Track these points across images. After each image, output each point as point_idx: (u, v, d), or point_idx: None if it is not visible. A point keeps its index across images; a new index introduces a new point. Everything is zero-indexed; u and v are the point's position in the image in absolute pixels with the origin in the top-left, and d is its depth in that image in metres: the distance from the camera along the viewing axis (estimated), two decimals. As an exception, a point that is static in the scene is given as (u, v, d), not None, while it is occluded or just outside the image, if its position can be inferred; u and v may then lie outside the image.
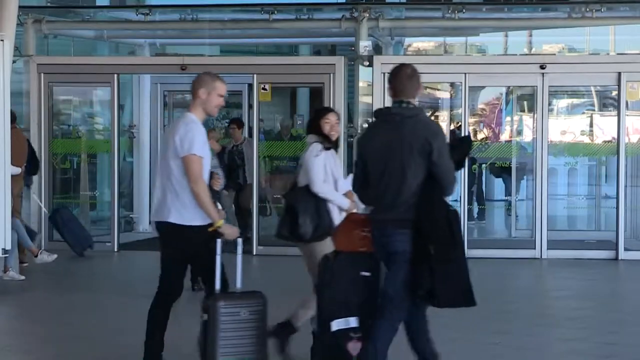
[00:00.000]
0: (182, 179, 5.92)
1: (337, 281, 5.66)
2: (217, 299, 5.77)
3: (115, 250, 13.08)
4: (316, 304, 5.88)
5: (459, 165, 5.69)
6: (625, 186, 12.62)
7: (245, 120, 14.87)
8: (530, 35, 17.70)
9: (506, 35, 17.49)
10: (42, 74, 13.12)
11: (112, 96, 13.19)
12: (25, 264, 10.83)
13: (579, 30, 16.30)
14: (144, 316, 8.79)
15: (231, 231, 6.01)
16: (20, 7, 10.47)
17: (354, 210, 6.49)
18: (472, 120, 14.82)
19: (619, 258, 12.29)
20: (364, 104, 13.29)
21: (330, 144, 6.63)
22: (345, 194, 6.57)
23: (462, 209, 12.37)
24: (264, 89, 12.71)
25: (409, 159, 5.42)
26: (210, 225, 5.93)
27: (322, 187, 6.48)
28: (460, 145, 5.88)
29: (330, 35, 15.10)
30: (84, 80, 13.40)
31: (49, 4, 16.97)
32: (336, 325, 5.62)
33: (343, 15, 13.27)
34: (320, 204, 6.46)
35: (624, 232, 12.50)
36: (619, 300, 10.03)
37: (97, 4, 19.12)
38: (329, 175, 6.54)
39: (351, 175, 6.15)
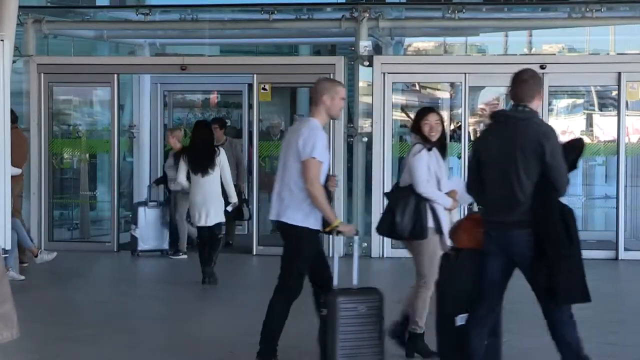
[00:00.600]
0: (300, 180, 6.12)
1: (460, 278, 5.83)
2: (336, 295, 5.98)
3: (115, 250, 13.08)
4: (436, 300, 6.08)
5: (573, 167, 5.78)
6: (625, 186, 12.62)
7: (245, 120, 14.87)
8: (530, 35, 17.68)
9: (506, 35, 17.47)
10: (42, 74, 13.13)
11: (112, 96, 13.19)
12: (25, 264, 10.83)
13: (579, 30, 16.28)
14: (143, 316, 8.82)
15: (348, 229, 6.24)
16: (20, 7, 10.47)
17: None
18: (472, 120, 14.80)
19: (619, 258, 12.30)
20: (364, 104, 13.28)
21: (430, 144, 6.78)
22: (448, 193, 6.76)
23: (461, 209, 12.34)
24: (264, 89, 12.71)
25: (522, 161, 5.56)
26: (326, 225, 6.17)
27: (425, 187, 6.66)
28: (573, 146, 5.95)
29: (330, 35, 15.08)
30: (84, 80, 13.40)
31: (49, 4, 16.97)
32: (460, 320, 5.77)
33: (343, 15, 13.26)
34: (421, 203, 6.64)
35: (624, 232, 12.51)
36: (619, 300, 10.02)
37: (97, 4, 19.13)
38: (432, 176, 6.72)
39: (454, 177, 6.31)
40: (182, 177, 10.30)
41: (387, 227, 6.72)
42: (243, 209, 12.78)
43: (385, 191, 7.78)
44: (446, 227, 6.64)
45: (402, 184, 6.82)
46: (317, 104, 6.28)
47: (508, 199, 5.59)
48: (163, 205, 12.74)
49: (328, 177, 6.34)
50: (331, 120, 12.21)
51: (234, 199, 10.50)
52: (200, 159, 10.17)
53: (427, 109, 7.09)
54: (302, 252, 6.20)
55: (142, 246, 12.54)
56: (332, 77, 12.42)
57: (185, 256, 12.12)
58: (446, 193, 6.75)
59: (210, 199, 10.16)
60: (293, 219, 6.16)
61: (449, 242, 6.36)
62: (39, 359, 7.05)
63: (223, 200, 10.31)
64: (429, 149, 6.77)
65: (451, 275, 5.88)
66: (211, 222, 10.21)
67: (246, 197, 13.38)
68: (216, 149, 10.31)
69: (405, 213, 6.59)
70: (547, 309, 5.68)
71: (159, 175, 13.71)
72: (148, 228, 12.59)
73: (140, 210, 12.62)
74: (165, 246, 12.60)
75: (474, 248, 5.83)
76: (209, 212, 10.15)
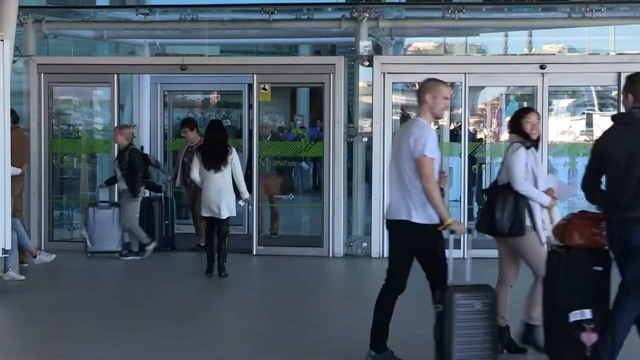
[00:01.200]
0: (415, 178, 6.24)
1: (571, 275, 6.01)
2: (453, 292, 6.09)
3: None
4: (544, 297, 6.25)
5: None
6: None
7: (245, 120, 14.87)
8: (530, 35, 17.70)
9: (506, 35, 17.49)
10: (42, 74, 13.13)
11: (112, 96, 13.19)
12: (25, 264, 10.83)
13: (579, 30, 16.29)
14: (143, 316, 8.81)
15: (460, 227, 6.30)
16: (20, 7, 10.48)
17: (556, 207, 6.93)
18: (472, 120, 14.80)
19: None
20: (364, 104, 13.28)
21: (530, 142, 6.91)
22: (546, 191, 6.88)
23: (462, 209, 12.36)
24: (264, 89, 12.70)
25: None
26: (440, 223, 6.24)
27: (523, 184, 6.79)
28: None
29: (330, 35, 15.09)
30: (84, 80, 13.39)
31: (49, 4, 16.98)
32: (573, 316, 5.94)
33: (343, 15, 13.26)
34: (519, 201, 6.77)
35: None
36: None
37: (97, 4, 19.16)
38: (529, 173, 6.85)
39: (551, 175, 6.44)
40: (195, 173, 10.80)
41: (487, 224, 6.84)
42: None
43: (484, 188, 7.90)
44: (541, 225, 6.78)
45: (500, 182, 6.93)
46: (421, 103, 6.41)
47: (632, 198, 5.75)
48: (116, 206, 12.50)
49: (439, 174, 6.40)
50: (331, 121, 12.48)
51: (245, 194, 10.96)
52: (213, 156, 10.68)
53: (527, 109, 7.27)
54: (436, 245, 6.29)
55: (91, 247, 12.30)
56: (332, 77, 12.47)
57: (139, 257, 12.12)
58: (543, 191, 6.87)
59: (222, 193, 10.66)
60: (419, 217, 6.26)
61: (543, 239, 6.61)
62: (39, 359, 7.06)
63: (235, 195, 10.81)
64: (528, 147, 6.87)
65: (563, 272, 6.03)
66: (224, 216, 10.68)
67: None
68: (228, 147, 10.78)
69: (505, 210, 6.72)
70: None
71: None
72: (98, 229, 12.34)
73: (90, 211, 12.44)
74: (117, 247, 12.31)
75: (585, 246, 6.01)
76: (221, 206, 10.64)
